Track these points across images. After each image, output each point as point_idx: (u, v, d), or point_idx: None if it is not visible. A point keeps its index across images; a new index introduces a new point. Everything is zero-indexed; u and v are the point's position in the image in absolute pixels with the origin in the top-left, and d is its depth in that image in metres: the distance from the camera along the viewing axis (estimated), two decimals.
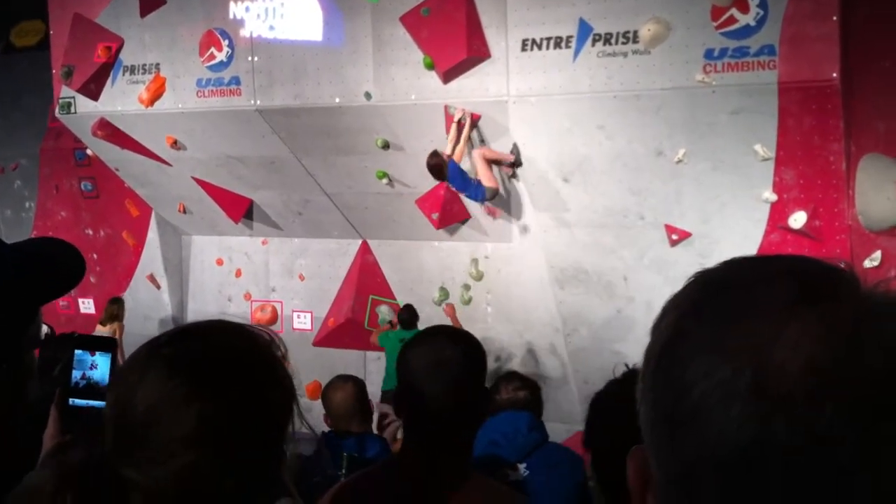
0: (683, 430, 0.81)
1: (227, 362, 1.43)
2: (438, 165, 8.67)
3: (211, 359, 1.43)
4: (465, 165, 8.85)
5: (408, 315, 9.81)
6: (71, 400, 1.80)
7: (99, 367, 1.85)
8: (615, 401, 2.58)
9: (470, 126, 8.74)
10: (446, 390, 2.29)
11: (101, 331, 10.92)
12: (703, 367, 0.80)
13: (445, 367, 2.32)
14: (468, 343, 2.44)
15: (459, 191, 8.93)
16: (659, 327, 0.89)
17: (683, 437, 0.81)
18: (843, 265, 0.85)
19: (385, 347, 9.88)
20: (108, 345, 1.88)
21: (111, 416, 1.41)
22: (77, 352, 1.85)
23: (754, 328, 0.78)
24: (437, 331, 2.56)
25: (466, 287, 10.14)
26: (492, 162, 8.90)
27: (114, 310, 11.17)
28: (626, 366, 2.71)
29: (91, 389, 1.83)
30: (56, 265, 1.91)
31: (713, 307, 0.84)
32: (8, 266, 1.70)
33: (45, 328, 1.99)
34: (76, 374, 1.84)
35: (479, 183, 8.74)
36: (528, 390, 4.59)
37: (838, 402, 0.73)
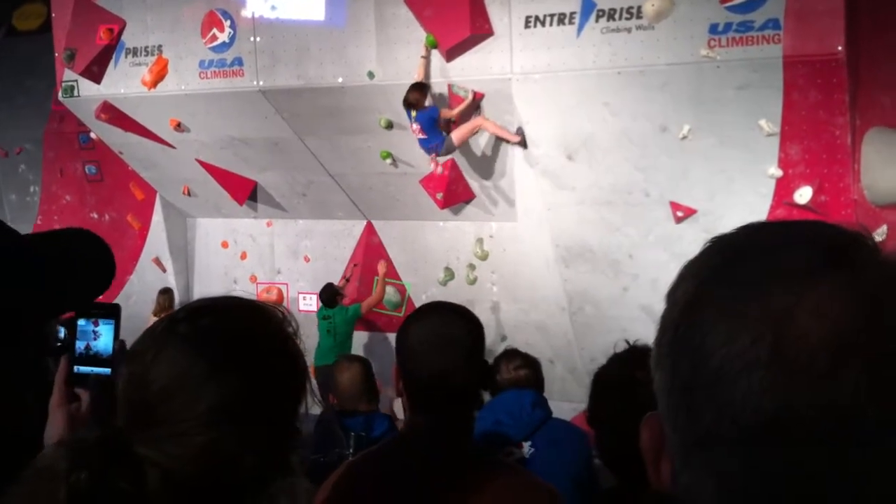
0: (704, 396, 0.80)
1: (243, 339, 1.43)
2: (418, 102, 8.54)
3: (227, 336, 1.43)
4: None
5: (326, 295, 10.00)
6: (76, 367, 1.80)
7: (102, 335, 1.84)
8: (618, 377, 2.58)
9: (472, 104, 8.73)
10: (448, 363, 2.28)
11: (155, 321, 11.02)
12: (723, 335, 0.79)
13: (446, 341, 2.31)
14: (467, 318, 2.42)
15: (421, 129, 8.64)
16: (675, 294, 0.88)
17: (704, 404, 0.80)
18: (861, 231, 0.84)
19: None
20: (111, 311, 1.87)
21: (126, 393, 1.41)
22: (80, 321, 1.84)
23: (774, 295, 0.78)
24: (434, 307, 2.55)
25: (472, 267, 10.13)
26: (497, 137, 8.88)
27: (165, 301, 11.27)
28: (627, 342, 2.71)
29: (95, 358, 1.83)
30: (89, 276, 1.90)
31: (732, 273, 0.83)
32: (41, 278, 1.69)
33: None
34: (80, 345, 1.83)
35: (444, 137, 8.66)
36: (529, 368, 4.60)
37: (860, 369, 0.73)
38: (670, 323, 0.87)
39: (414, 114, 8.56)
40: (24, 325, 1.68)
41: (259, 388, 1.40)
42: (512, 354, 4.74)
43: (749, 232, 0.88)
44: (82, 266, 1.87)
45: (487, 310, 9.90)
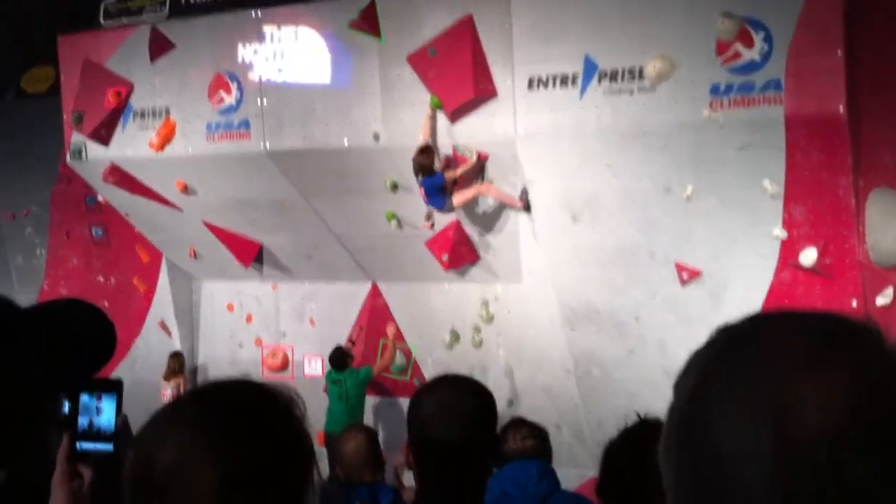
0: (711, 487, 0.82)
1: (250, 423, 1.43)
2: (426, 166, 8.62)
3: (234, 419, 1.43)
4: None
5: (337, 358, 9.95)
6: (77, 444, 1.78)
7: (105, 411, 1.83)
8: (627, 451, 2.56)
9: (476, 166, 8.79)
10: (460, 438, 2.31)
11: (166, 385, 11.04)
12: (728, 427, 0.81)
13: (459, 416, 2.34)
14: (480, 391, 2.46)
15: (425, 193, 8.76)
16: (682, 385, 0.91)
17: (711, 495, 0.82)
18: (868, 320, 0.87)
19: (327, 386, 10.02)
20: (113, 387, 1.86)
21: (132, 474, 1.41)
22: (83, 397, 1.82)
23: (777, 388, 0.80)
24: (447, 379, 2.60)
25: (477, 329, 10.08)
26: (501, 202, 8.93)
27: (175, 364, 11.29)
28: (638, 415, 2.70)
29: (97, 434, 1.81)
30: (90, 348, 1.91)
31: (736, 365, 0.85)
32: (41, 353, 1.68)
33: None
34: (83, 421, 1.81)
35: (446, 199, 8.76)
36: (536, 439, 4.58)
37: (859, 461, 0.75)
38: (677, 414, 0.90)
39: (420, 178, 8.65)
40: (26, 399, 1.66)
41: (263, 473, 1.39)
42: (519, 424, 4.72)
43: (753, 323, 0.91)
44: (82, 340, 1.88)
45: (494, 373, 9.83)
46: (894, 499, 0.74)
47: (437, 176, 8.64)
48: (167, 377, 11.25)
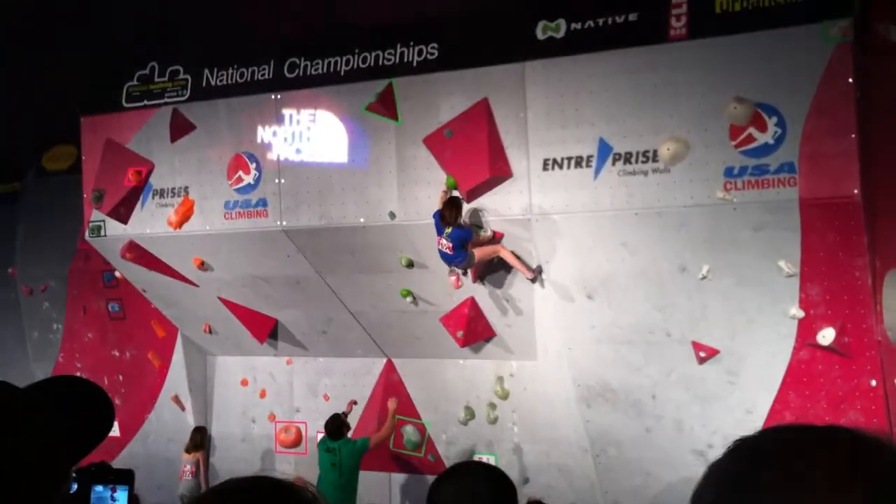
0: None
1: None
2: (453, 218, 8.59)
3: None
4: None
5: (333, 426, 9.76)
6: None
7: (118, 501, 1.83)
8: None
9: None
10: None
11: (186, 458, 11.05)
12: None
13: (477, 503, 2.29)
14: (498, 479, 2.42)
15: (452, 247, 8.62)
16: (701, 498, 0.91)
17: None
18: (883, 437, 0.87)
19: (318, 456, 9.85)
20: (125, 478, 1.87)
21: None
22: (97, 488, 1.83)
23: None
24: (466, 466, 2.55)
25: (492, 406, 10.03)
26: (514, 266, 8.92)
27: (198, 438, 11.28)
28: None
29: None
30: (89, 423, 1.90)
31: (755, 484, 0.85)
32: (41, 430, 1.69)
33: None
34: None
35: (468, 254, 8.70)
36: None
37: None
38: None
39: (448, 230, 8.58)
40: (35, 478, 1.66)
41: None
42: None
43: (771, 439, 0.90)
44: (80, 415, 1.87)
45: (509, 451, 9.77)
46: None
47: (467, 231, 8.65)
48: (189, 450, 11.24)
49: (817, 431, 0.89)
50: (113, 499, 1.85)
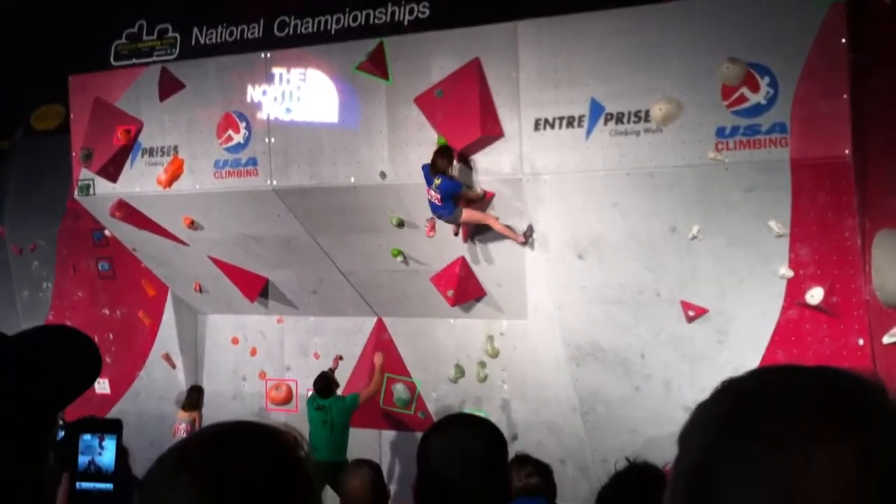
0: None
1: (257, 473, 1.42)
2: (443, 167, 8.53)
3: (241, 469, 1.41)
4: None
5: (322, 383, 9.81)
6: (78, 484, 1.80)
7: (106, 450, 1.84)
8: (618, 494, 2.58)
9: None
10: (472, 480, 2.26)
11: (182, 416, 11.05)
12: (738, 490, 0.80)
13: (470, 457, 2.29)
14: (490, 430, 2.42)
15: (441, 198, 8.60)
16: (688, 440, 0.90)
17: None
18: (873, 379, 0.86)
19: (308, 414, 9.88)
20: (113, 427, 1.87)
21: None
22: (85, 436, 1.84)
23: (786, 453, 0.79)
24: (457, 419, 2.53)
25: (482, 364, 10.09)
26: (502, 233, 8.93)
27: (195, 397, 11.24)
28: (627, 459, 2.71)
29: (98, 474, 1.82)
30: (74, 368, 1.90)
31: (745, 428, 0.84)
32: (26, 376, 1.70)
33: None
34: (84, 460, 1.83)
35: (455, 209, 8.69)
36: (540, 475, 4.56)
37: None
38: (684, 471, 0.88)
39: (438, 181, 8.53)
40: (23, 423, 1.68)
41: None
42: (523, 461, 4.66)
43: (760, 380, 0.90)
44: (65, 360, 1.87)
45: (498, 408, 9.84)
46: None
47: (456, 184, 8.61)
48: (185, 408, 11.21)
49: (807, 372, 0.88)
50: (101, 447, 1.85)
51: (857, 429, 0.80)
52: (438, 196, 8.57)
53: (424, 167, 8.67)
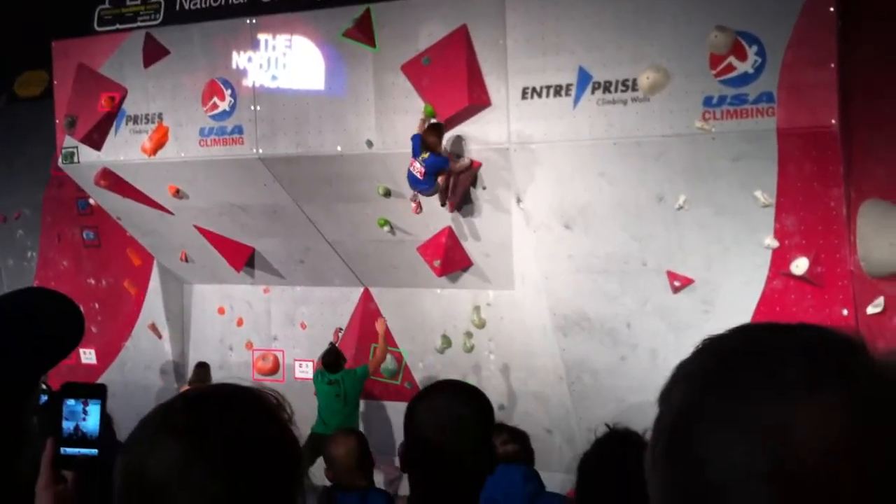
0: None
1: (241, 433, 1.42)
2: (433, 145, 8.52)
3: (224, 430, 1.41)
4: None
5: (331, 358, 9.84)
6: (62, 449, 1.79)
7: (91, 415, 1.83)
8: (600, 461, 2.58)
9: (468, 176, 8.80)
10: (459, 446, 2.27)
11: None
12: (720, 446, 0.80)
13: (458, 423, 2.29)
14: (477, 397, 2.42)
15: (424, 172, 8.57)
16: (669, 398, 0.89)
17: None
18: (854, 335, 0.85)
19: (316, 388, 9.93)
20: (98, 392, 1.86)
21: (122, 486, 1.40)
22: (69, 402, 1.83)
23: (770, 407, 0.78)
24: (444, 385, 2.53)
25: (469, 334, 10.10)
26: (462, 175, 8.89)
27: (202, 374, 11.19)
28: (607, 426, 2.71)
29: (82, 439, 1.81)
30: (57, 331, 1.88)
31: (726, 382, 0.83)
32: (9, 338, 1.67)
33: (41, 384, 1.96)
34: (69, 425, 1.82)
35: (435, 184, 8.68)
36: (516, 443, 4.60)
37: (858, 482, 0.73)
38: (665, 430, 0.87)
39: (426, 154, 8.49)
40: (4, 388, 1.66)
41: (256, 483, 1.39)
42: (498, 429, 4.67)
43: (742, 337, 0.89)
44: (49, 323, 1.85)
45: (485, 378, 9.86)
46: None
47: (444, 160, 8.57)
48: (192, 383, 11.17)
49: (789, 329, 0.88)
50: (85, 412, 1.85)
51: (841, 380, 0.79)
52: (423, 170, 8.54)
53: (415, 137, 8.63)
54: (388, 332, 10.26)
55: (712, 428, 0.81)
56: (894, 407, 0.77)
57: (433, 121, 8.68)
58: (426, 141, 8.51)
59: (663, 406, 0.89)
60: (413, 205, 9.23)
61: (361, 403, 10.55)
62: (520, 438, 4.68)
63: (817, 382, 0.78)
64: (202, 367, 11.30)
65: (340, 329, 10.51)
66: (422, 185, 8.70)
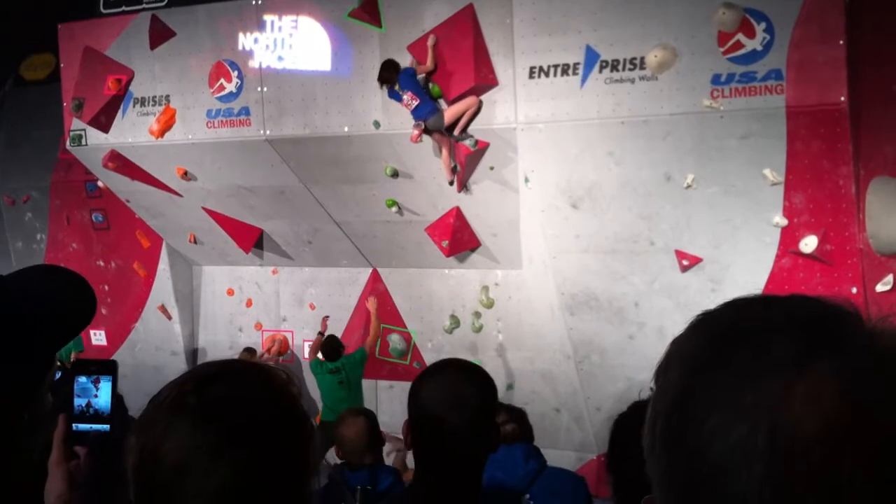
0: (699, 488, 0.80)
1: (253, 411, 1.43)
2: (390, 77, 8.61)
3: (237, 408, 1.42)
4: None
5: (331, 348, 9.86)
6: (74, 425, 1.80)
7: (101, 392, 1.84)
8: (636, 424, 2.57)
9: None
10: (463, 424, 2.28)
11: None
12: (717, 426, 0.79)
13: (462, 401, 2.30)
14: (481, 376, 2.43)
15: (413, 94, 8.57)
16: (664, 377, 0.89)
17: (700, 495, 0.80)
18: (847, 306, 0.84)
19: (316, 378, 9.98)
20: (109, 368, 1.87)
21: (137, 467, 1.41)
22: (80, 379, 1.84)
23: (765, 384, 0.78)
24: (448, 364, 2.54)
25: (477, 314, 10.12)
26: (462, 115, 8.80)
27: (247, 358, 11.18)
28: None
29: (94, 415, 1.83)
30: (69, 307, 1.88)
31: (721, 360, 0.83)
32: (24, 316, 1.68)
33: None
34: (80, 402, 1.83)
35: (436, 106, 8.66)
36: (515, 422, 4.60)
37: (855, 457, 0.73)
38: (662, 410, 0.87)
39: (396, 86, 8.58)
40: (21, 365, 1.66)
41: (270, 460, 1.40)
42: (497, 408, 4.68)
43: (735, 312, 0.88)
44: (60, 301, 1.85)
45: (493, 357, 9.88)
46: (891, 496, 0.72)
47: (404, 70, 8.61)
48: None
49: (782, 301, 0.87)
50: (97, 389, 1.86)
51: (834, 353, 0.78)
52: (409, 93, 8.55)
53: (391, 93, 8.69)
54: (394, 320, 10.29)
55: (708, 408, 0.80)
56: (890, 379, 0.76)
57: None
58: (384, 78, 8.65)
59: (659, 384, 0.89)
60: (414, 132, 8.81)
61: (371, 383, 10.59)
62: (517, 417, 4.68)
63: (810, 357, 0.78)
64: (248, 352, 11.23)
65: (328, 317, 10.54)
66: (424, 110, 8.62)
